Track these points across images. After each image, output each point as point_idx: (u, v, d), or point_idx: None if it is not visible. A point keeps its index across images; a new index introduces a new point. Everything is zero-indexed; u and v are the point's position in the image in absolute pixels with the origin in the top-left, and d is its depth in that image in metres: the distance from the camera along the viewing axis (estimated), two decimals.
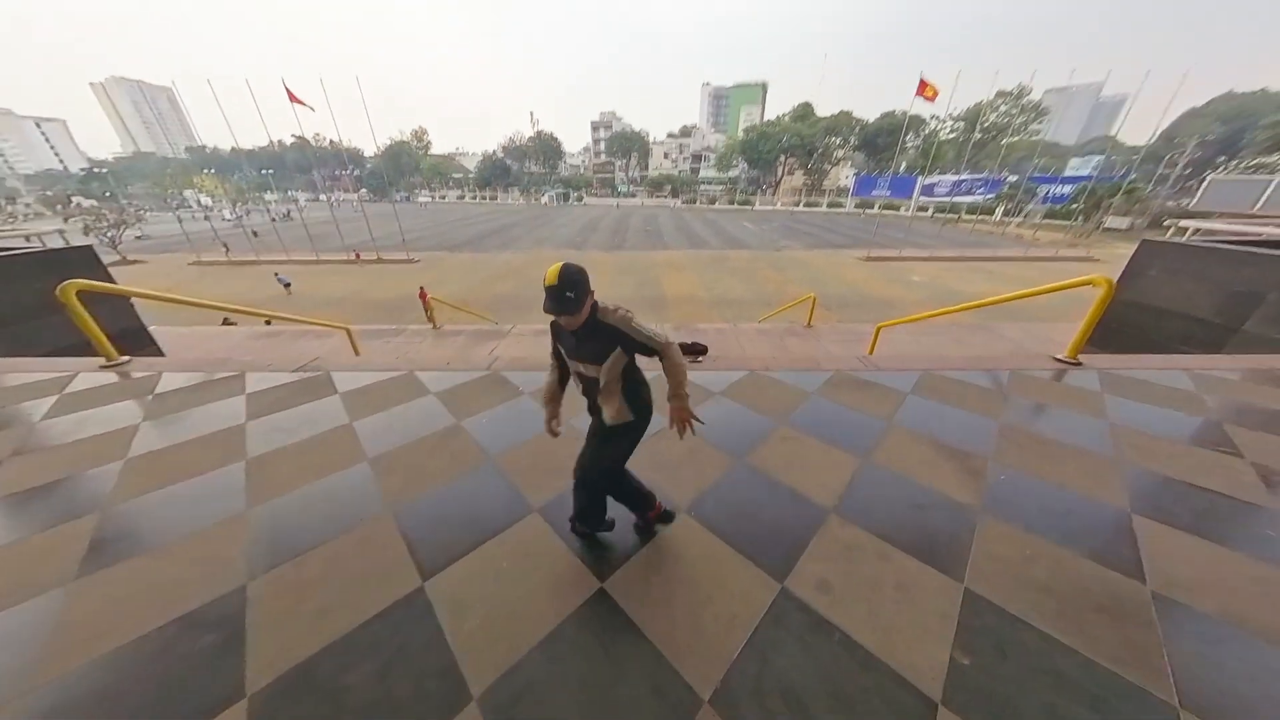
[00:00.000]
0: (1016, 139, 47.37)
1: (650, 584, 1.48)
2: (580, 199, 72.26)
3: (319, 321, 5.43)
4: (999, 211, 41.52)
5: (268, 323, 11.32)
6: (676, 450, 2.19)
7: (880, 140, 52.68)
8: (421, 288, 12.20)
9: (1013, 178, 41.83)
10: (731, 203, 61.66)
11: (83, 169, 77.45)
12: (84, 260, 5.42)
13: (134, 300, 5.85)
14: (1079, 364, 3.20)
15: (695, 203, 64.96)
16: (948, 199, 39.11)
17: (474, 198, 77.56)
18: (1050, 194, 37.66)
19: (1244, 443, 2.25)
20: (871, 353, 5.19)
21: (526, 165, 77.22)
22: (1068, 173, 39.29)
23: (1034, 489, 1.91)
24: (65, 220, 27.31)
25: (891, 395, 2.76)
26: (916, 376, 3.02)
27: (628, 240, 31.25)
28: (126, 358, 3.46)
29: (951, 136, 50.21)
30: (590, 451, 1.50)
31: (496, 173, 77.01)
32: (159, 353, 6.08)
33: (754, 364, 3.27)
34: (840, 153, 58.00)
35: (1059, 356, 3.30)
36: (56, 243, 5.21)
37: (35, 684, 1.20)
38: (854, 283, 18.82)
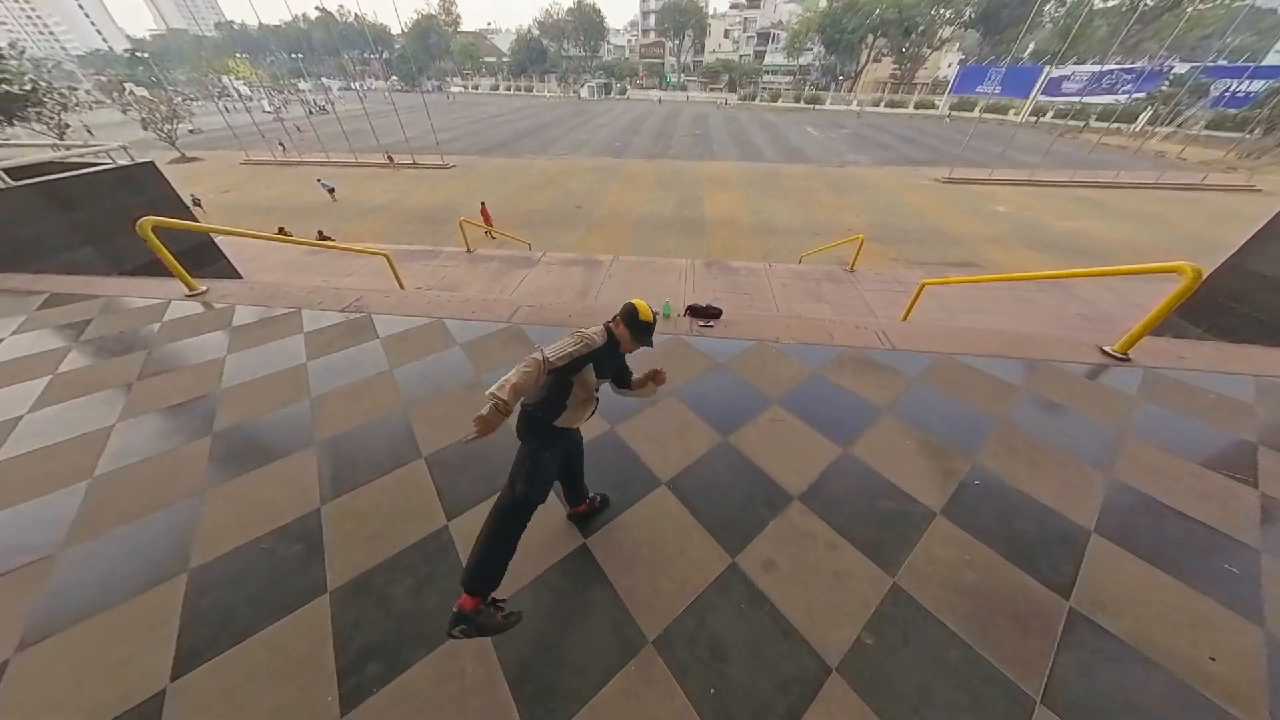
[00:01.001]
0: (1211, 3, 34.80)
1: (624, 545, 1.80)
2: (623, 92, 64.06)
3: (361, 249, 5.74)
4: (1142, 118, 32.53)
5: (321, 238, 11.97)
6: (670, 425, 2.39)
7: (1006, 11, 41.02)
8: (484, 204, 13.18)
9: (1180, 67, 31.90)
10: (796, 100, 52.52)
11: (126, 50, 77.08)
12: (150, 177, 5.83)
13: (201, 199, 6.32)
14: (1127, 360, 2.94)
15: (754, 99, 55.90)
16: (1077, 99, 31.16)
17: (508, 88, 70.75)
18: (1229, 93, 28.49)
19: (1269, 469, 2.14)
20: (906, 316, 4.89)
21: (564, 47, 67.96)
22: (1269, 61, 29.16)
23: (1003, 497, 1.99)
24: (124, 111, 28.14)
25: (897, 381, 2.74)
26: (931, 361, 2.93)
27: (672, 146, 28.31)
28: (204, 287, 3.95)
29: (1111, 2, 37.92)
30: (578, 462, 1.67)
31: (532, 56, 68.72)
32: (229, 265, 6.75)
33: (766, 332, 3.26)
34: (948, 30, 46.11)
35: (1107, 348, 3.03)
36: (124, 149, 5.62)
37: (184, 568, 1.75)
38: (923, 211, 16.58)
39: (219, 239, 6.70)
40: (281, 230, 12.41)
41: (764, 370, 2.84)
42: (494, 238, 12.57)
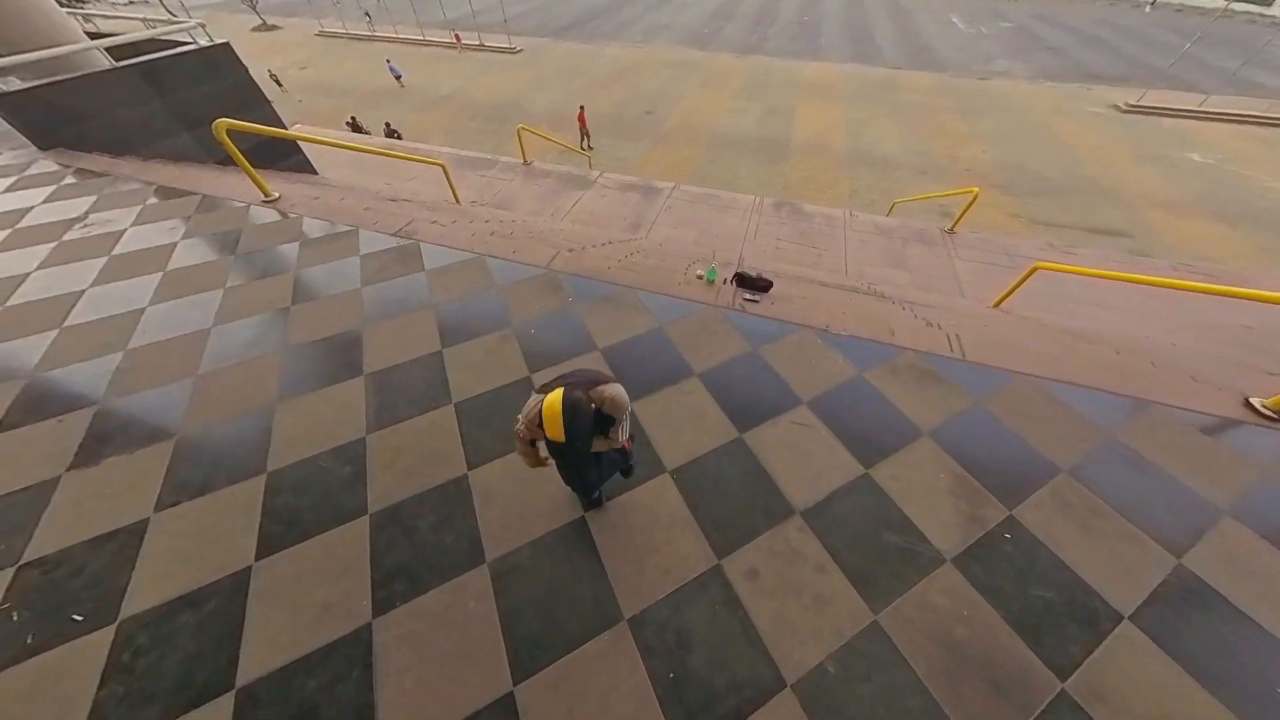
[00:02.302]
0: None
1: (618, 526, 1.92)
2: None
3: (420, 159, 5.69)
4: None
5: (388, 131, 11.96)
6: (686, 411, 2.35)
7: None
8: (581, 109, 12.43)
9: None
10: None
11: None
12: (227, 60, 5.90)
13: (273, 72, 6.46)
14: (1277, 422, 2.35)
15: None
16: None
17: None
18: None
19: None
20: (1000, 302, 4.15)
21: None
22: None
23: (1032, 558, 1.82)
24: None
25: (955, 400, 2.43)
26: (1005, 383, 2.53)
27: (770, 38, 23.59)
28: (277, 194, 4.17)
29: None
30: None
31: None
32: (306, 159, 7.03)
33: (816, 317, 2.94)
34: None
35: (1256, 402, 2.42)
36: (201, 28, 5.70)
37: (264, 469, 2.12)
38: (1078, 150, 13.08)
39: (295, 127, 6.88)
40: (353, 120, 12.50)
41: (801, 363, 2.62)
42: (589, 149, 12.48)
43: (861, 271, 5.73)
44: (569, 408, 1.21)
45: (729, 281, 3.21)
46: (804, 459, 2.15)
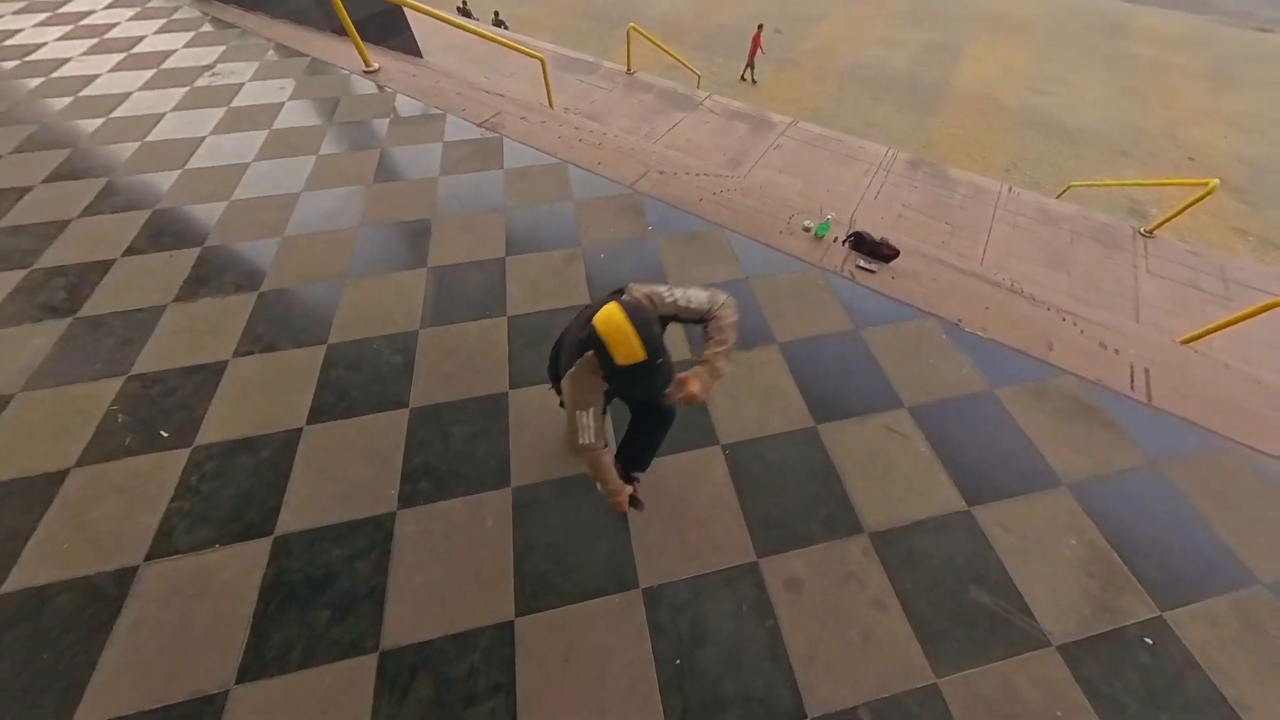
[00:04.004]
0: None
1: (652, 488, 1.71)
2: None
3: (522, 49, 5.24)
4: None
5: (496, 21, 11.38)
6: (756, 382, 2.00)
7: None
8: (759, 29, 10.13)
9: None
10: None
11: None
12: None
13: None
14: None
15: None
16: None
17: None
18: None
19: None
20: (1193, 340, 3.10)
21: None
22: None
23: (1182, 682, 1.37)
24: None
25: (1121, 452, 1.83)
26: (1204, 444, 1.85)
27: None
28: (378, 65, 4.03)
29: None
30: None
31: None
32: (412, 38, 6.83)
33: (948, 306, 2.33)
34: None
35: None
36: None
37: (325, 341, 2.14)
38: None
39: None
40: (463, 3, 11.99)
41: (914, 358, 2.11)
42: (752, 80, 10.60)
43: (1003, 264, 4.62)
44: (633, 312, 0.89)
45: (842, 242, 2.62)
46: (889, 473, 1.76)
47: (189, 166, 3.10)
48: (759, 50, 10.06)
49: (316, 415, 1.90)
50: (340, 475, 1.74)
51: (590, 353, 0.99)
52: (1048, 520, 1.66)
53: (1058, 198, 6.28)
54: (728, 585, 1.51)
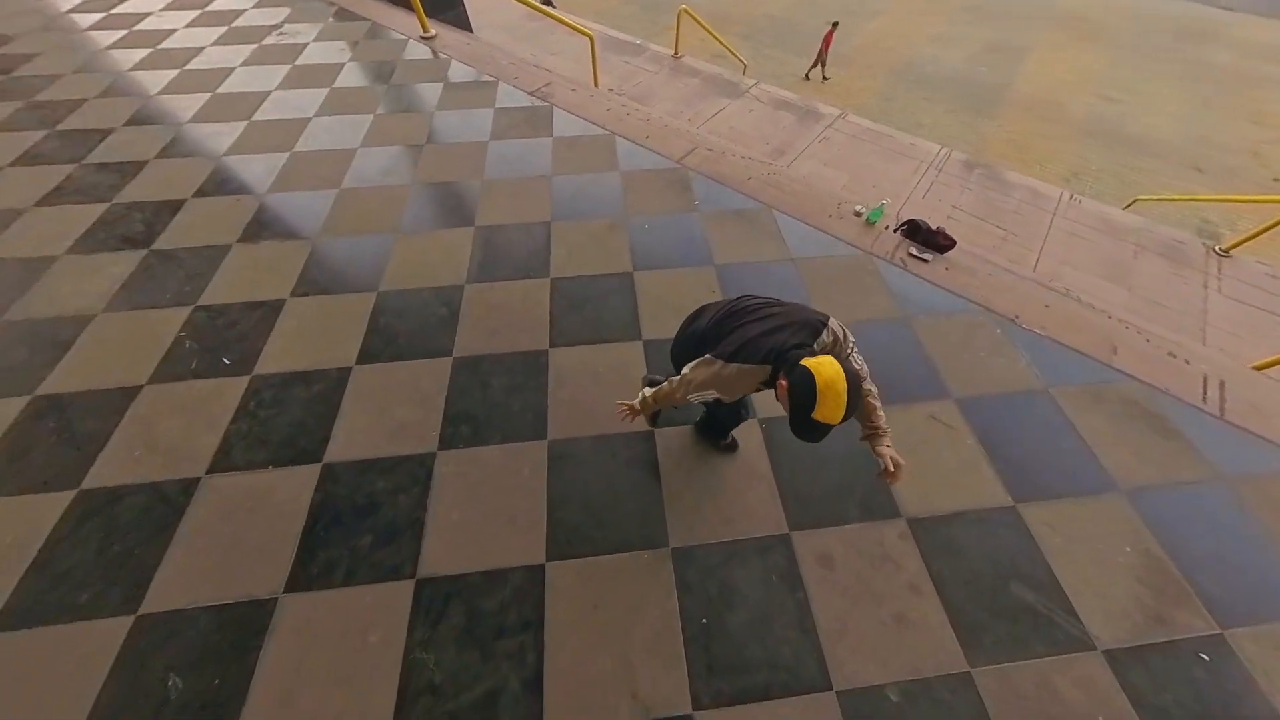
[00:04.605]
0: None
1: (688, 453, 1.72)
2: None
3: (570, 23, 5.22)
4: None
5: (545, 1, 11.36)
6: None
7: None
8: (832, 27, 9.46)
9: None
10: None
11: None
12: None
13: None
14: None
15: None
16: None
17: None
18: None
19: None
20: (1268, 365, 2.87)
21: None
22: None
23: (1239, 699, 1.29)
24: None
25: (1186, 461, 1.73)
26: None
27: None
28: (434, 31, 4.09)
29: None
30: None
31: None
32: (464, 14, 6.91)
33: (1005, 302, 2.23)
34: None
35: None
36: None
37: (376, 288, 2.21)
38: None
39: None
40: None
41: (965, 351, 2.03)
42: (822, 78, 9.90)
43: (1057, 272, 4.38)
44: (852, 383, 0.89)
45: (894, 229, 2.54)
46: (931, 462, 1.70)
47: (255, 118, 3.23)
48: (827, 49, 9.54)
49: (366, 357, 1.97)
50: (386, 413, 1.81)
51: (776, 372, 1.00)
52: (1100, 525, 1.58)
53: (1125, 208, 5.90)
54: (758, 554, 1.51)
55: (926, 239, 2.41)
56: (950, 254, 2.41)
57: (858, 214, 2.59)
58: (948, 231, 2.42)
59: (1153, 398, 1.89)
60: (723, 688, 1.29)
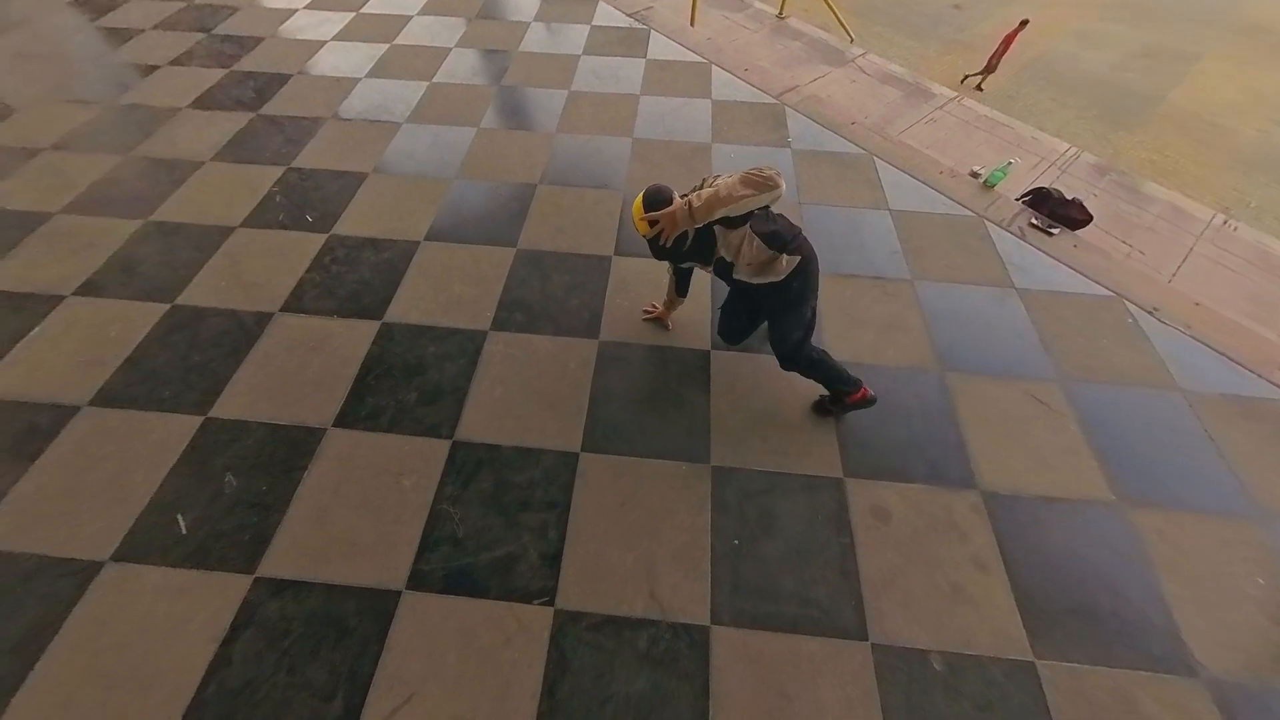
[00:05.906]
0: None
1: (744, 379, 1.60)
2: None
3: None
4: None
5: None
6: (885, 311, 1.77)
7: None
8: (1021, 24, 5.82)
9: None
10: None
11: None
12: None
13: None
14: None
15: None
16: None
17: None
18: None
19: None
20: None
21: None
22: None
23: None
24: None
25: None
26: None
27: None
28: None
29: None
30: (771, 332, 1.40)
31: None
32: None
33: (1142, 291, 1.90)
34: None
35: None
36: None
37: (451, 176, 2.21)
38: None
39: None
40: None
41: (1084, 335, 1.74)
42: (978, 86, 5.90)
43: (1195, 293, 3.74)
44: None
45: (1018, 198, 2.21)
46: (1022, 440, 1.49)
47: (363, 11, 3.30)
48: (1007, 51, 5.85)
49: (433, 235, 1.98)
50: (445, 288, 1.81)
51: None
52: (1228, 548, 1.32)
53: None
54: (805, 491, 1.38)
55: (1055, 210, 2.08)
56: (1081, 231, 2.07)
57: (974, 174, 2.28)
58: (1085, 204, 2.07)
59: None
60: (745, 608, 1.20)
